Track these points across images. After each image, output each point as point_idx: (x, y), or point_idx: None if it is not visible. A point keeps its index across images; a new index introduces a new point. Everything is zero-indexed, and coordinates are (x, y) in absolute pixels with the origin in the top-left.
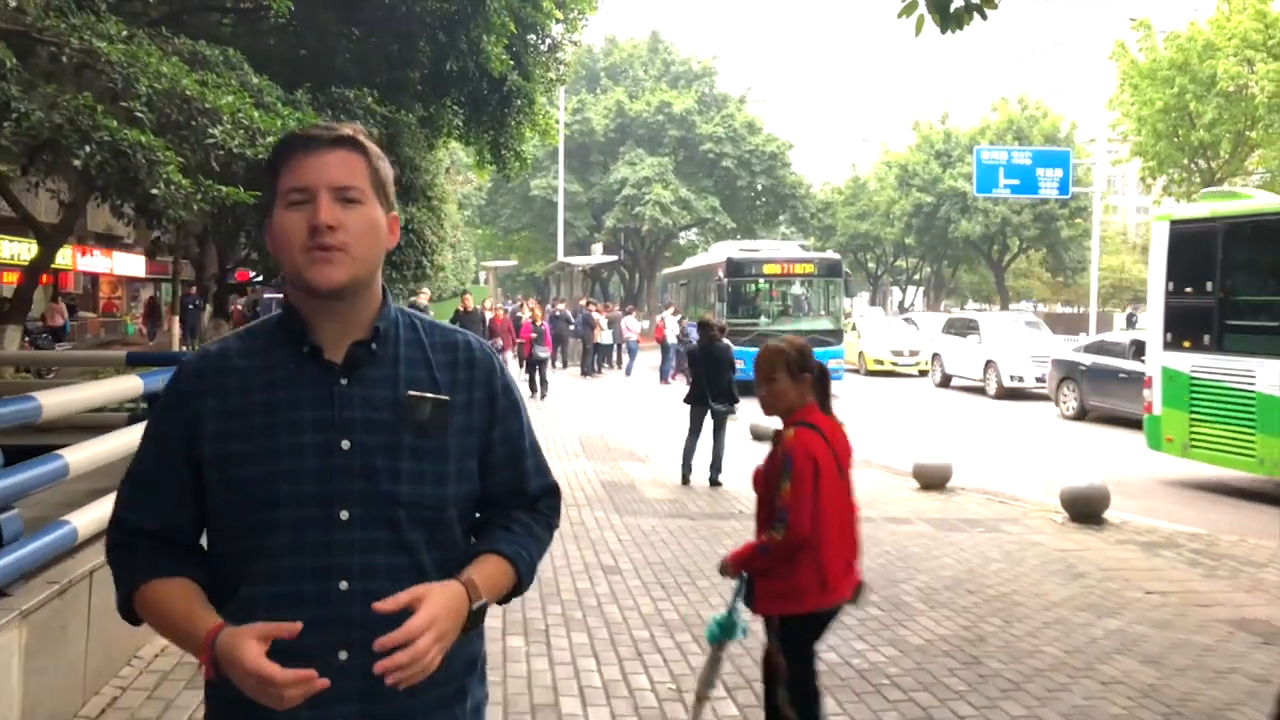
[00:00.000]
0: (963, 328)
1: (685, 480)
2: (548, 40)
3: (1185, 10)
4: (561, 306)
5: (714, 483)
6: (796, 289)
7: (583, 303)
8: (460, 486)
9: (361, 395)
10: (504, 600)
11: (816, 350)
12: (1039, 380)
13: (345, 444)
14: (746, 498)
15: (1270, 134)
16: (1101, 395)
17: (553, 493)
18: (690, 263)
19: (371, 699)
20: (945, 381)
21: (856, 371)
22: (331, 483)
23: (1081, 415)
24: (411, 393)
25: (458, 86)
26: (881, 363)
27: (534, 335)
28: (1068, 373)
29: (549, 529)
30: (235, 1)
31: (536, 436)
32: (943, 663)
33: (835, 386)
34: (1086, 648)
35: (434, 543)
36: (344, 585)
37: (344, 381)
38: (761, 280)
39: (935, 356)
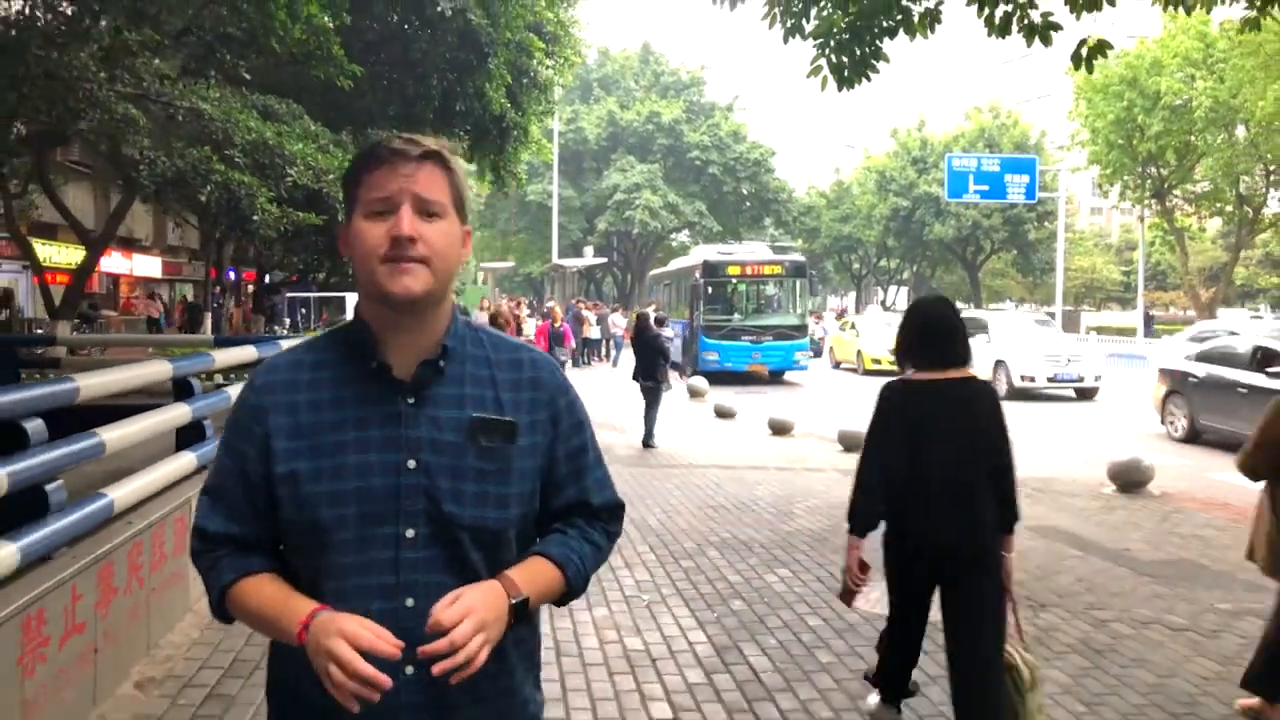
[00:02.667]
0: (970, 327)
1: (646, 445)
2: (540, 82)
3: (1136, 29)
4: (550, 304)
5: (647, 444)
6: (766, 288)
7: (574, 301)
8: (521, 509)
9: (428, 415)
10: (559, 602)
11: (784, 342)
12: (1051, 380)
13: (411, 464)
14: (676, 455)
15: (1210, 145)
16: (1217, 414)
17: (617, 508)
18: (673, 264)
19: (438, 711)
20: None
21: (854, 370)
22: (398, 502)
23: (1193, 438)
24: (476, 414)
25: (463, 119)
26: (879, 362)
27: (553, 335)
28: (1176, 385)
29: (608, 538)
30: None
31: (600, 451)
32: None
33: (798, 376)
34: None
35: (495, 562)
36: (410, 603)
37: (411, 401)
38: (735, 280)
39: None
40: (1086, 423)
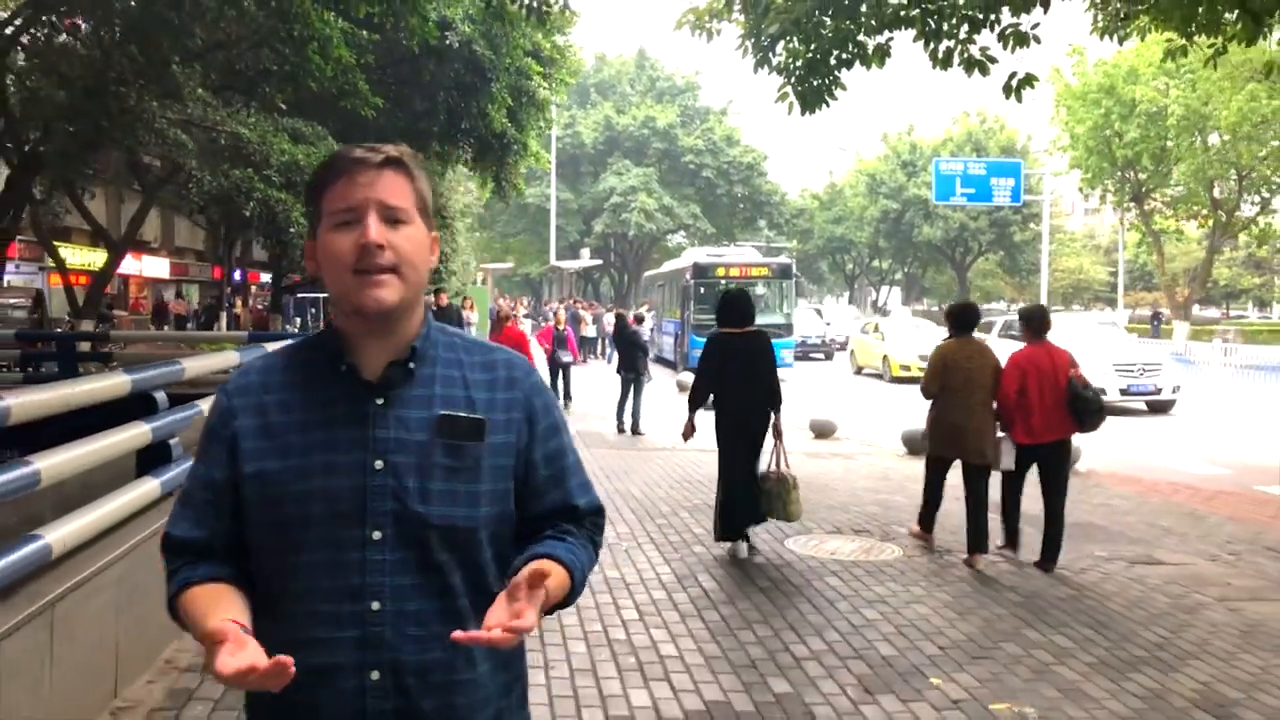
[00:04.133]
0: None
1: (619, 430)
2: (538, 101)
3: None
4: (557, 308)
5: (635, 431)
6: (754, 289)
7: (571, 302)
8: (493, 508)
9: (396, 415)
10: (552, 609)
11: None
12: (1125, 393)
13: (379, 464)
14: (661, 440)
15: (1183, 151)
16: None
17: (599, 512)
18: (666, 266)
19: (406, 718)
20: None
21: (879, 377)
22: (365, 503)
23: None
24: (444, 412)
25: (467, 135)
26: (909, 368)
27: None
28: None
29: (595, 547)
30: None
31: (580, 454)
32: None
33: (782, 373)
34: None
35: (464, 564)
36: (375, 605)
37: (380, 401)
38: (723, 282)
39: None
40: (1169, 441)
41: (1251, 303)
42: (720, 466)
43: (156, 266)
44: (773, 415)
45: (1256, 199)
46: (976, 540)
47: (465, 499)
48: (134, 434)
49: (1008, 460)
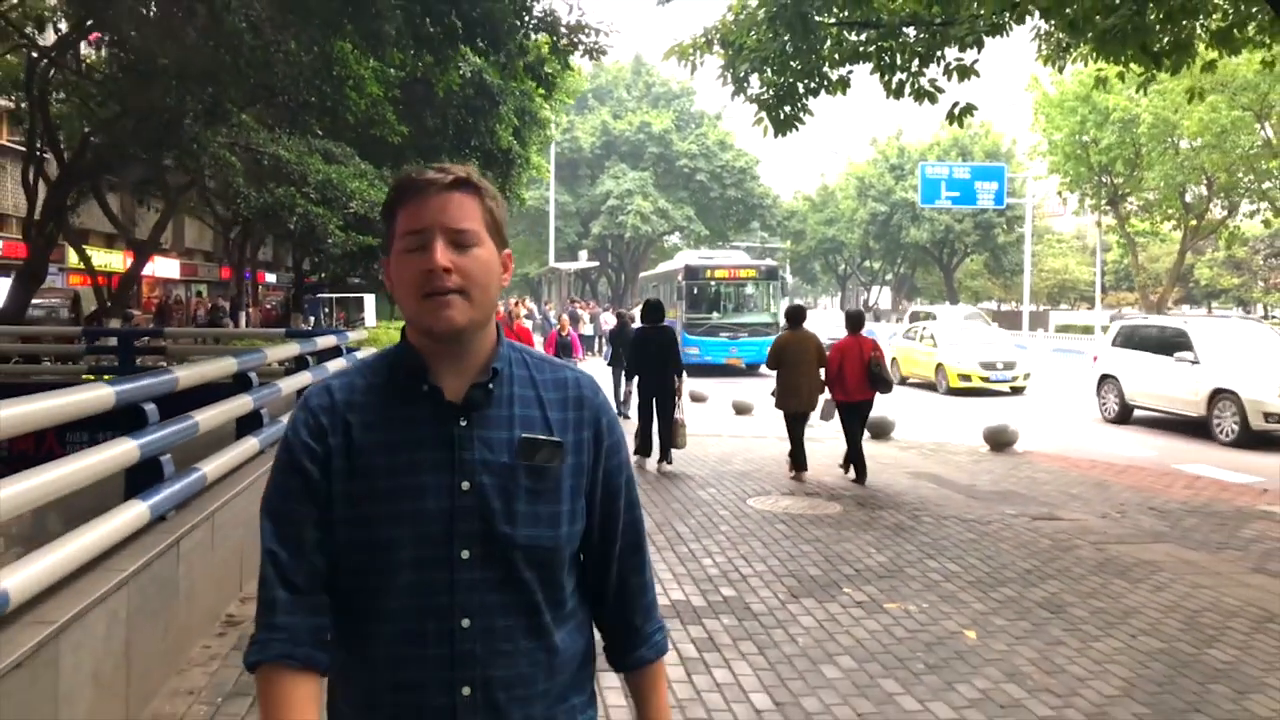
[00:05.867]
0: (1161, 341)
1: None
2: (539, 120)
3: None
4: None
5: (625, 417)
6: (743, 290)
7: (569, 302)
8: (572, 526)
9: (480, 437)
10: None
11: (756, 338)
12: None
13: (465, 485)
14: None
15: (1153, 158)
16: None
17: (640, 527)
18: (659, 268)
19: None
20: (1124, 415)
21: (930, 389)
22: (453, 523)
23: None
24: (525, 435)
25: (474, 150)
26: (969, 378)
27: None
28: None
29: (649, 562)
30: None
31: (633, 470)
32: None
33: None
34: None
35: (546, 581)
36: (465, 623)
37: (463, 423)
38: (713, 283)
39: (1106, 380)
40: (1021, 413)
41: (1233, 302)
42: (639, 413)
43: (167, 267)
44: (676, 380)
45: (1226, 203)
46: (797, 462)
47: (548, 519)
48: (235, 407)
49: (829, 412)
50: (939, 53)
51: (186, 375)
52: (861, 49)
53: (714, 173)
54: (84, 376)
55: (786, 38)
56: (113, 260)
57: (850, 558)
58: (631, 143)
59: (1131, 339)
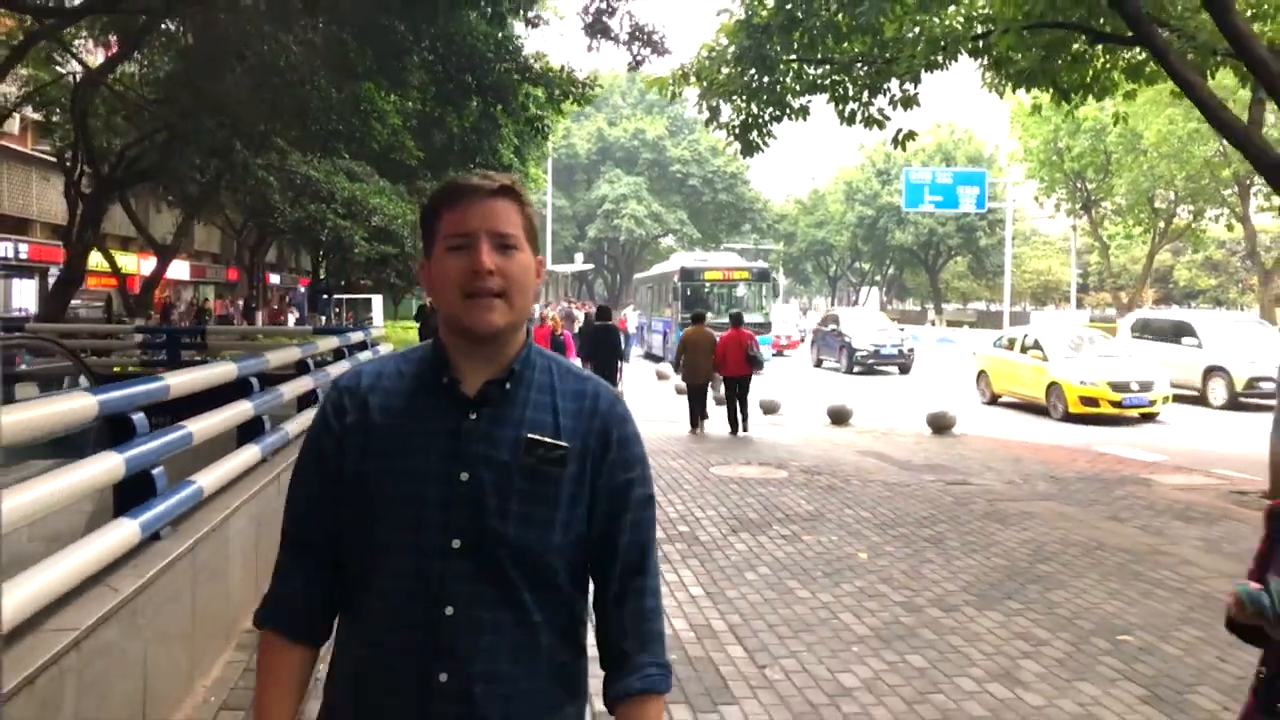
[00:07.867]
0: (1170, 330)
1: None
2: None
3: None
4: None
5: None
6: (736, 290)
7: (566, 302)
8: (567, 535)
9: (487, 432)
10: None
11: None
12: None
13: (464, 476)
14: (641, 414)
15: (1123, 165)
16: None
17: (648, 552)
18: (655, 269)
19: None
20: None
21: (1037, 411)
22: (449, 512)
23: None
24: (530, 435)
25: (479, 166)
26: (1097, 401)
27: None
28: None
29: (656, 594)
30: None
31: (653, 489)
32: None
33: (783, 371)
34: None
35: (535, 584)
36: (449, 611)
37: (473, 416)
38: (708, 284)
39: None
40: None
41: (1211, 303)
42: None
43: (177, 269)
44: (620, 364)
45: (1192, 208)
46: (694, 422)
47: (540, 523)
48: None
49: (718, 387)
50: (885, 85)
51: (178, 382)
52: (818, 82)
53: (706, 178)
54: (130, 369)
55: (753, 72)
56: (128, 262)
57: (784, 506)
58: (626, 149)
59: (1146, 329)
